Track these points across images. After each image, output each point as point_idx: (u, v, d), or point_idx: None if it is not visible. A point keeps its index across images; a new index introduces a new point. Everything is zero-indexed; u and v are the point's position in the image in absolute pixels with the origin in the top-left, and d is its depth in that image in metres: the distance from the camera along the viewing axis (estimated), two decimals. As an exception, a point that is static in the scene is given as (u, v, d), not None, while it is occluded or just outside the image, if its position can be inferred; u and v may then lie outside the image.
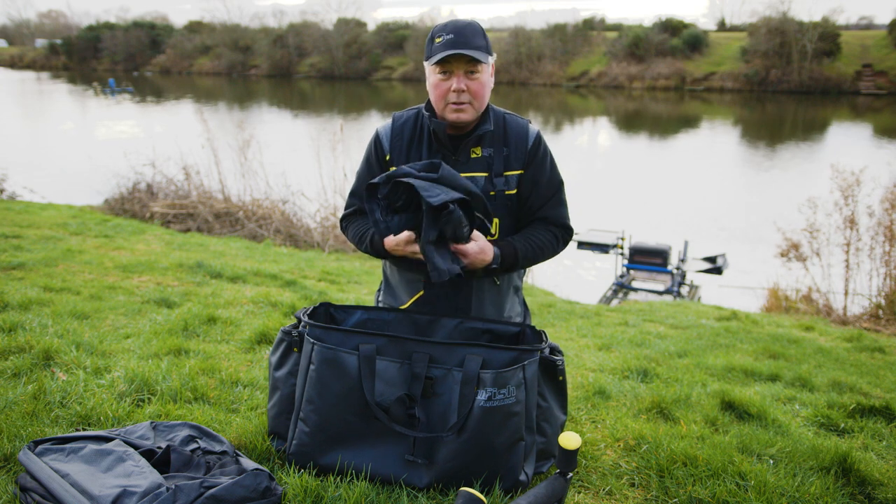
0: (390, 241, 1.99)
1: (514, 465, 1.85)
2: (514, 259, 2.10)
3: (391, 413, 1.84)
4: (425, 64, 2.09)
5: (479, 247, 1.99)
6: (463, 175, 2.07)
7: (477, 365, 1.87)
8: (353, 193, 2.29)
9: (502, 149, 2.13)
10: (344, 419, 1.87)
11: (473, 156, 2.12)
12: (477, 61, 1.99)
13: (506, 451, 1.84)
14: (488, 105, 2.14)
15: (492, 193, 2.11)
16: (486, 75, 2.05)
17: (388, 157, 2.17)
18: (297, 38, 53.79)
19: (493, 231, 2.15)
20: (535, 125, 2.21)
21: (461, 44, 1.98)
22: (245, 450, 1.98)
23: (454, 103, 2.03)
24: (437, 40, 2.01)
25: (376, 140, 2.21)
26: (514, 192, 2.15)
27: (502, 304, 2.25)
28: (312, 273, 6.06)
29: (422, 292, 2.22)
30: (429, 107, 2.14)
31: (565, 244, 2.23)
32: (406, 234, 1.96)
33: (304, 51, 53.72)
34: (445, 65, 2.00)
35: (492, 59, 2.07)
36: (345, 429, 1.87)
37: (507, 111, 2.22)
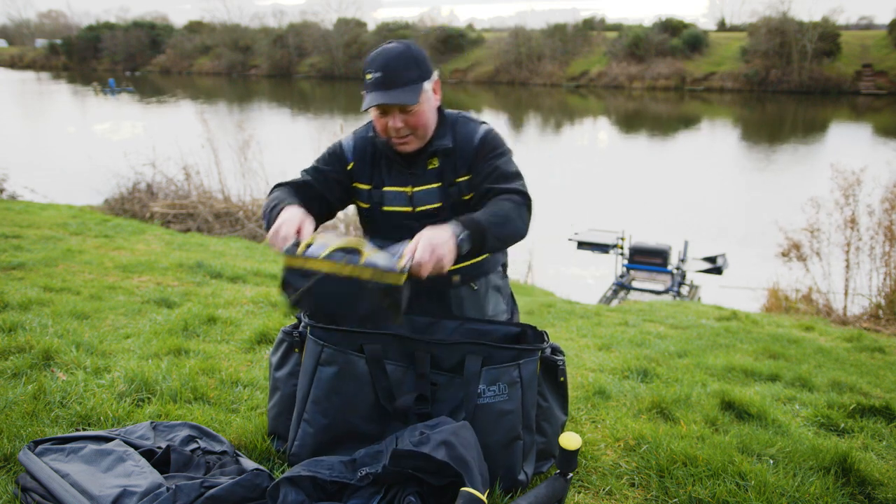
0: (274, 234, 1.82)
1: (513, 464, 1.85)
2: (480, 229, 1.82)
3: (408, 414, 1.85)
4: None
5: (428, 243, 1.70)
6: (418, 188, 2.06)
7: (477, 365, 1.87)
8: (304, 170, 2.20)
9: (452, 156, 2.08)
10: (350, 421, 1.88)
11: (430, 167, 2.08)
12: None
13: (502, 450, 1.84)
14: (442, 114, 2.10)
15: (438, 205, 2.07)
16: (425, 104, 1.97)
17: (350, 166, 2.14)
18: (297, 38, 53.78)
19: None
20: (487, 125, 2.12)
21: (389, 83, 1.91)
22: (245, 450, 1.98)
23: (395, 138, 2.00)
24: (367, 77, 1.94)
25: (338, 146, 2.17)
26: (469, 196, 2.11)
27: (483, 307, 2.23)
28: (312, 273, 6.05)
29: None
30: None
31: (529, 210, 1.99)
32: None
33: (304, 51, 53.71)
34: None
35: (430, 83, 1.99)
36: (349, 430, 1.88)
37: (462, 113, 2.15)
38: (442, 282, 2.12)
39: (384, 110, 1.97)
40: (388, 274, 1.66)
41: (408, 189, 2.09)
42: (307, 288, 1.67)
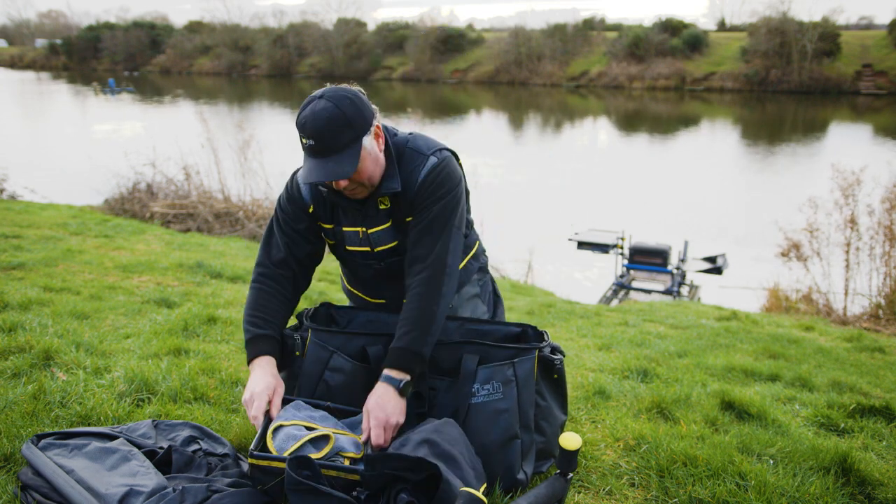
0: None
1: (511, 463, 1.85)
2: (418, 359, 1.83)
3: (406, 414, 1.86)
4: None
5: (377, 422, 1.75)
6: (372, 229, 1.99)
7: (474, 365, 1.88)
8: (266, 249, 2.05)
9: (400, 197, 1.96)
10: None
11: (382, 206, 1.99)
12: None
13: (500, 450, 1.84)
14: (389, 152, 1.95)
15: (395, 244, 2.01)
16: (366, 160, 1.84)
17: (311, 209, 2.03)
18: (297, 38, 53.79)
19: None
20: (436, 158, 1.95)
21: (324, 150, 1.78)
22: (245, 450, 1.98)
23: (346, 192, 1.90)
24: (302, 140, 1.81)
25: (294, 187, 2.03)
26: None
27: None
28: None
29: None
30: None
31: (447, 278, 1.90)
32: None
33: (304, 51, 53.71)
34: None
35: (369, 136, 1.84)
36: None
37: (411, 143, 1.99)
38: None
39: None
40: (350, 474, 1.63)
41: (361, 230, 2.02)
42: (275, 483, 1.65)
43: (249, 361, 1.92)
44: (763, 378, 3.34)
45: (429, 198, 1.94)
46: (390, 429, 1.77)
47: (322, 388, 1.93)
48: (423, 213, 1.94)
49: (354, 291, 2.28)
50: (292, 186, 2.05)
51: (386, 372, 1.83)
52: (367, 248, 2.05)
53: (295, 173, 2.06)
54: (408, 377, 1.82)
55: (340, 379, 1.92)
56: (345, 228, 2.04)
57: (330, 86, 1.89)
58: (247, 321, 1.97)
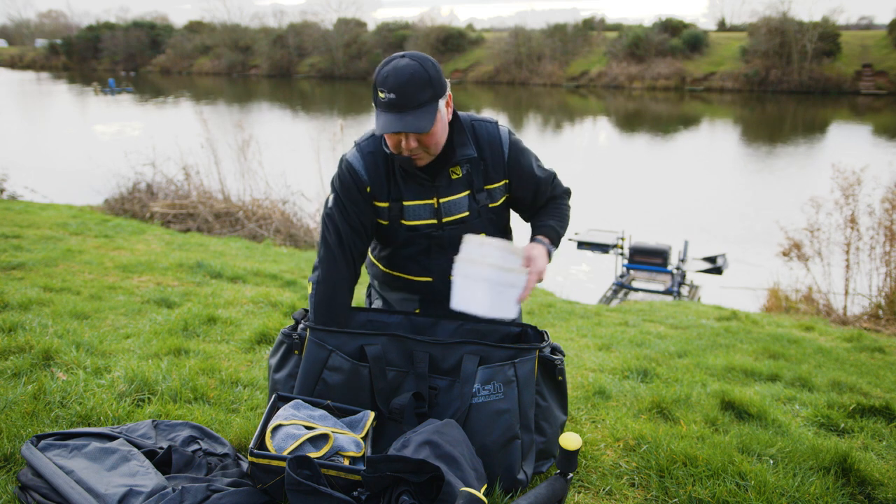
0: None
1: (511, 463, 1.85)
2: (559, 238, 2.17)
3: (404, 414, 1.86)
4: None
5: (537, 268, 1.98)
6: (444, 199, 2.03)
7: (474, 365, 1.88)
8: (337, 244, 2.04)
9: (479, 162, 2.05)
10: None
11: (454, 177, 2.04)
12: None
13: (500, 450, 1.84)
14: (458, 122, 2.03)
15: (466, 213, 2.06)
16: (438, 123, 1.90)
17: (368, 189, 2.03)
18: (297, 38, 53.77)
19: None
20: (503, 125, 2.12)
21: (403, 105, 1.82)
22: (245, 450, 1.98)
23: (409, 155, 1.94)
24: (381, 95, 1.85)
25: (350, 169, 2.04)
26: (499, 203, 2.12)
27: None
28: (312, 273, 6.05)
29: (417, 311, 2.22)
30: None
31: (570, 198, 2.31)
32: None
33: (304, 51, 53.71)
34: None
35: (443, 100, 1.92)
36: None
37: (474, 116, 2.10)
38: None
39: None
40: (350, 473, 1.64)
41: (433, 201, 2.03)
42: (275, 481, 1.66)
43: None
44: (763, 378, 3.34)
45: (524, 159, 2.12)
46: (541, 275, 1.99)
47: (321, 387, 1.93)
48: (527, 178, 2.13)
49: (395, 273, 2.21)
50: (347, 169, 2.04)
51: (539, 237, 2.10)
52: (434, 221, 2.06)
53: (344, 157, 2.08)
54: (553, 248, 2.12)
55: (339, 378, 1.92)
56: (408, 203, 2.04)
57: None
58: (319, 322, 2.03)
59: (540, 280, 1.98)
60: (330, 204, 2.07)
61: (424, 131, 1.84)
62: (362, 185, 2.03)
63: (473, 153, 2.01)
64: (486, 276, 1.90)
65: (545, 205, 2.21)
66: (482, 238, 1.94)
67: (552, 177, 2.20)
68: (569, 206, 2.26)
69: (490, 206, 2.10)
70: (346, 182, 2.04)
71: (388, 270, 2.24)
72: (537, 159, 2.19)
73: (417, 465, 1.56)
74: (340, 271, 2.04)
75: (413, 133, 1.87)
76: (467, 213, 2.06)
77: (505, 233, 2.21)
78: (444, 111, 1.94)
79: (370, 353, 1.92)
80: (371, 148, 2.04)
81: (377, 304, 2.35)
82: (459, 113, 2.09)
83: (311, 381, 1.93)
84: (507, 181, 2.11)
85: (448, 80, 1.98)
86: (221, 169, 10.76)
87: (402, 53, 1.90)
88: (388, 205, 2.05)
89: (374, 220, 2.08)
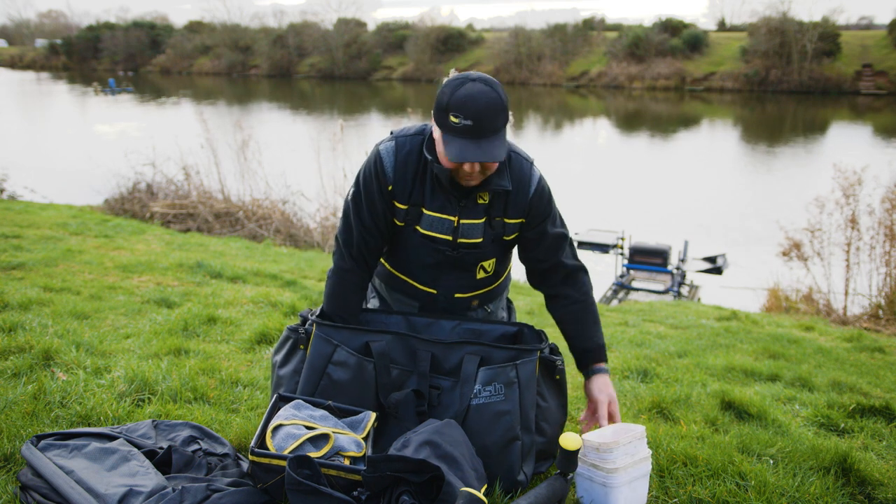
0: None
1: (511, 465, 1.85)
2: (605, 350, 2.17)
3: (401, 410, 1.86)
4: (434, 122, 1.88)
5: (612, 410, 2.04)
6: (465, 221, 1.99)
7: (474, 366, 1.89)
8: (346, 242, 2.05)
9: (505, 195, 2.01)
10: None
11: (480, 202, 1.99)
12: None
13: (500, 451, 1.84)
14: None
15: (480, 240, 2.03)
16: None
17: (390, 188, 1.99)
18: (297, 38, 53.76)
19: (488, 270, 2.13)
20: (536, 166, 2.06)
21: (479, 133, 1.77)
22: (245, 450, 1.98)
23: (466, 177, 1.89)
24: (454, 120, 1.78)
25: (378, 163, 1.99)
26: (512, 237, 2.09)
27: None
28: (312, 273, 6.05)
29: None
30: (431, 145, 1.96)
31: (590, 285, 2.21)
32: None
33: (304, 51, 53.69)
34: None
35: (509, 124, 1.90)
36: None
37: (513, 148, 2.05)
38: (461, 306, 2.16)
39: None
40: (351, 473, 1.64)
41: (454, 218, 1.99)
42: (275, 481, 1.66)
43: None
44: (763, 378, 3.34)
45: (546, 208, 2.07)
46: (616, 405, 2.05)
47: (325, 382, 1.92)
48: (542, 226, 2.07)
49: (402, 276, 2.18)
50: (376, 161, 2.00)
51: (597, 366, 2.10)
52: (450, 238, 2.01)
53: (377, 148, 2.03)
54: (607, 366, 2.14)
55: (344, 373, 1.91)
56: (428, 212, 2.00)
57: (465, 72, 1.90)
58: (328, 310, 2.07)
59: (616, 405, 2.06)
60: (349, 196, 2.06)
61: (500, 160, 1.80)
62: (384, 183, 1.99)
63: (508, 186, 1.96)
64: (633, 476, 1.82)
65: (549, 274, 2.12)
66: (616, 435, 1.85)
67: (565, 236, 2.12)
68: (591, 293, 2.16)
69: (504, 238, 2.07)
70: (369, 176, 2.01)
71: (393, 271, 2.22)
72: (560, 215, 2.15)
73: (418, 465, 1.56)
74: (347, 264, 2.05)
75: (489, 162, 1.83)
76: (481, 240, 2.03)
77: (529, 263, 2.17)
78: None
79: (375, 350, 1.92)
80: (409, 147, 2.00)
81: (373, 302, 2.35)
82: None
83: (315, 376, 1.93)
84: (524, 220, 2.06)
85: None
86: (221, 169, 10.77)
87: (472, 76, 1.83)
88: (406, 207, 2.01)
89: (390, 218, 2.05)
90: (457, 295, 2.14)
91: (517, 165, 2.02)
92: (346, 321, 2.04)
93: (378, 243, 2.07)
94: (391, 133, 2.05)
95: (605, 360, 2.12)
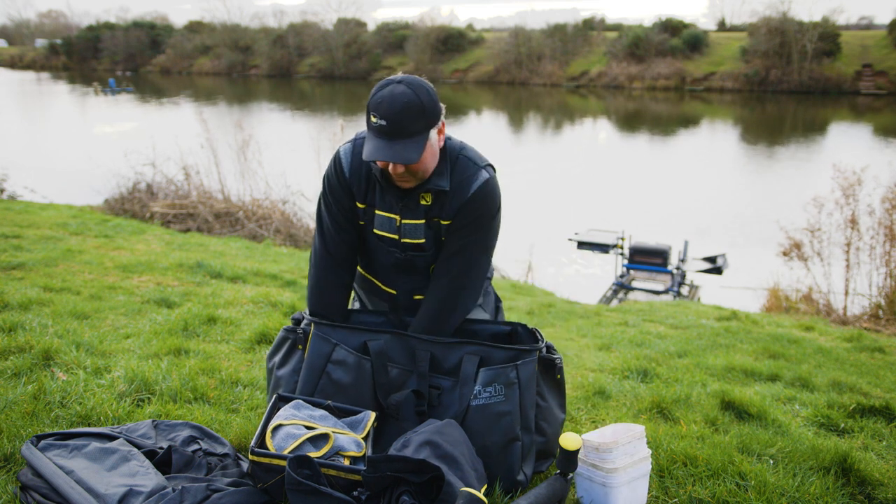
0: None
1: (511, 465, 1.85)
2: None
3: (401, 410, 1.86)
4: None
5: None
6: (406, 221, 2.00)
7: (474, 366, 1.89)
8: (322, 235, 2.09)
9: (445, 195, 1.99)
10: None
11: (422, 202, 2.00)
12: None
13: (500, 451, 1.85)
14: (444, 151, 1.99)
15: (423, 241, 2.02)
16: (427, 152, 1.87)
17: (351, 189, 2.05)
18: (297, 38, 53.74)
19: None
20: (491, 174, 2.01)
21: (394, 133, 1.79)
22: (245, 450, 1.98)
23: (396, 177, 1.92)
24: (373, 119, 1.82)
25: (337, 164, 2.04)
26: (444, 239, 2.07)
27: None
28: (312, 273, 6.05)
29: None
30: None
31: (479, 284, 2.07)
32: None
33: (304, 51, 53.67)
34: None
35: (435, 129, 1.89)
36: None
37: (465, 151, 2.02)
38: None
39: None
40: (350, 473, 1.65)
41: (396, 217, 2.02)
42: (275, 481, 1.67)
43: None
44: (763, 378, 3.34)
45: (474, 213, 1.98)
46: None
47: (324, 381, 1.92)
48: (466, 229, 1.99)
49: (368, 276, 2.26)
50: (335, 162, 2.06)
51: None
52: (396, 237, 2.05)
53: (338, 150, 2.08)
54: None
55: (343, 372, 1.91)
56: (377, 211, 2.05)
57: (404, 74, 1.92)
58: (311, 307, 2.11)
59: None
60: (319, 197, 2.12)
61: (411, 163, 1.82)
62: (345, 182, 2.04)
63: (446, 186, 1.95)
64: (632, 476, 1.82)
65: (434, 292, 2.03)
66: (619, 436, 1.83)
67: (478, 264, 2.03)
68: (454, 309, 2.02)
69: (442, 239, 2.05)
70: (332, 176, 2.07)
71: (362, 271, 2.30)
72: (493, 243, 2.07)
73: (418, 465, 1.56)
74: (325, 260, 2.08)
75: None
76: (423, 241, 2.03)
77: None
78: (434, 140, 1.90)
79: (372, 349, 1.92)
80: (361, 152, 2.02)
81: (355, 304, 2.40)
82: (456, 142, 2.04)
83: (314, 376, 1.93)
84: (450, 222, 2.01)
85: (443, 106, 1.93)
86: (221, 169, 10.76)
87: (399, 78, 1.86)
88: (364, 207, 2.07)
89: (356, 218, 2.09)
90: (416, 297, 2.16)
91: (462, 167, 1.99)
92: (330, 316, 2.05)
93: (348, 236, 2.09)
94: (356, 135, 2.09)
95: None
